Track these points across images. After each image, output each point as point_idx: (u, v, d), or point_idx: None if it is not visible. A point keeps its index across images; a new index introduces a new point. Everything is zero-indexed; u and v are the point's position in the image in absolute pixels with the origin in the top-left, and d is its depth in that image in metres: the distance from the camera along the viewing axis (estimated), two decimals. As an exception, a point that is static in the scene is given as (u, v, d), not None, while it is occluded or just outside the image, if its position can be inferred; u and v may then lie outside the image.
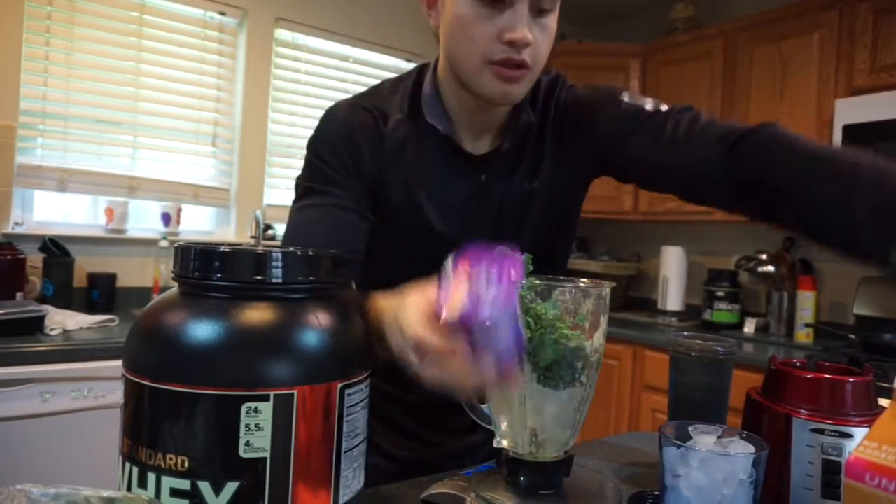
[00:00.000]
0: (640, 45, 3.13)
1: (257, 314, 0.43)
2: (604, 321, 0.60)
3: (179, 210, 2.60)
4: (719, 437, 0.59)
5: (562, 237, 0.97)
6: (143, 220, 2.59)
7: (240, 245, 0.47)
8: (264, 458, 0.41)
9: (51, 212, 2.42)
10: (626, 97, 0.89)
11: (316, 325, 0.45)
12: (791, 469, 0.61)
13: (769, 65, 2.62)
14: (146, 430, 0.42)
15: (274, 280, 0.45)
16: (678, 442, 0.56)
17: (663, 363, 0.88)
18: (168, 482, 0.41)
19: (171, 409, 0.41)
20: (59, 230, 2.34)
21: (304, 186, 0.89)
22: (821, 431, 0.60)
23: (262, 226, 2.64)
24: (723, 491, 0.53)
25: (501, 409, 0.60)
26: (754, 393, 0.68)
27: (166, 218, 2.57)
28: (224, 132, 2.74)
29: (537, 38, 0.79)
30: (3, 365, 1.64)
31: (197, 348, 0.41)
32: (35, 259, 2.21)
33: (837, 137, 2.30)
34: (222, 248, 0.45)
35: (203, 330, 0.42)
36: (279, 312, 0.44)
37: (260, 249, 0.45)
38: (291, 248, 0.47)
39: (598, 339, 0.59)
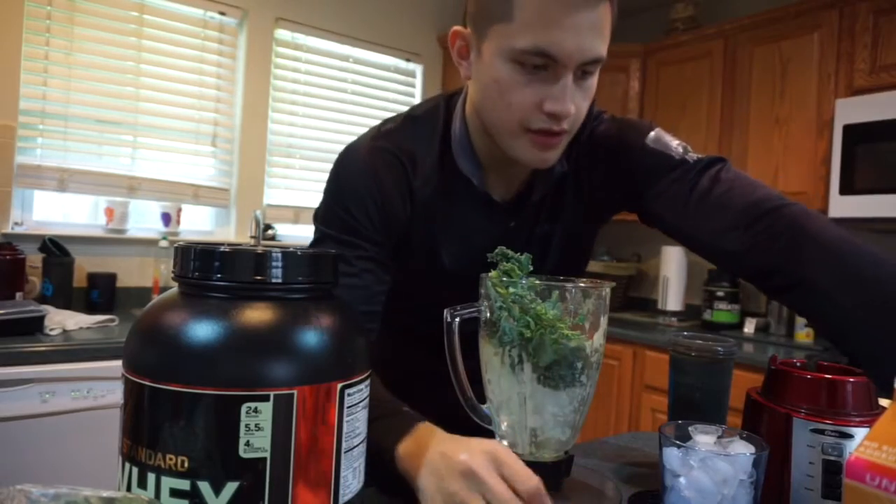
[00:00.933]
0: (640, 45, 3.13)
1: (257, 314, 0.43)
2: (604, 321, 0.60)
3: (179, 210, 2.60)
4: (719, 437, 0.59)
5: (575, 268, 0.97)
6: (143, 220, 2.59)
7: (240, 245, 0.47)
8: (264, 458, 0.41)
9: (51, 212, 2.42)
10: (651, 139, 0.85)
11: (316, 325, 0.45)
12: (791, 469, 0.61)
13: (769, 65, 2.62)
14: (146, 430, 0.42)
15: (274, 280, 0.45)
16: (678, 442, 0.56)
17: (663, 363, 0.89)
18: (168, 482, 0.41)
19: (171, 409, 0.41)
20: (59, 230, 2.34)
21: (328, 235, 0.82)
22: (821, 431, 0.59)
23: (262, 226, 2.64)
24: (723, 491, 0.53)
25: (501, 409, 0.60)
26: (754, 393, 0.68)
27: (166, 218, 2.57)
28: (224, 132, 2.74)
29: (578, 102, 0.74)
30: (3, 365, 1.64)
31: (197, 348, 0.41)
32: (35, 259, 2.21)
33: (837, 137, 2.30)
34: (222, 248, 0.45)
35: (203, 330, 0.42)
36: (279, 312, 0.44)
37: (260, 249, 0.45)
38: (291, 248, 0.47)
39: (598, 339, 0.59)
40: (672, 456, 0.56)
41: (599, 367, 0.61)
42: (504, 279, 0.58)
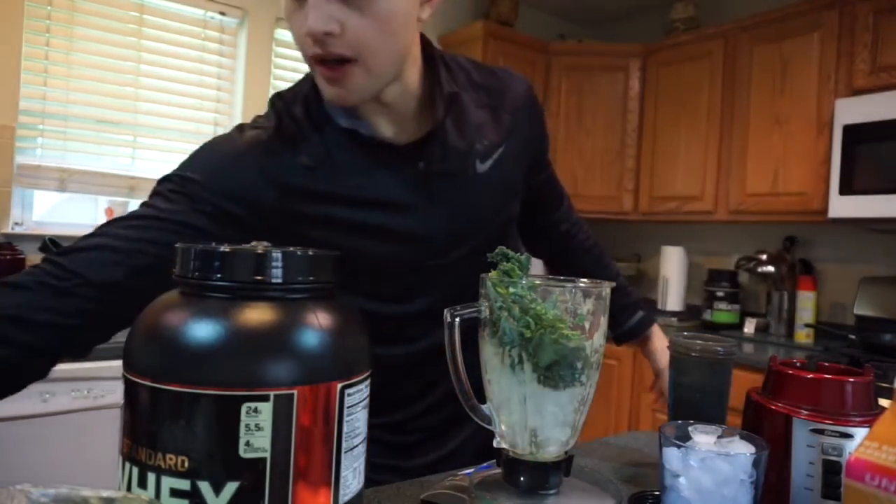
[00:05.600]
0: (640, 45, 3.13)
1: (257, 314, 0.43)
2: (604, 321, 0.60)
3: (179, 210, 2.60)
4: (719, 437, 0.59)
5: (506, 230, 0.93)
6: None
7: (240, 245, 0.47)
8: (264, 458, 0.41)
9: (51, 212, 2.42)
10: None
11: (316, 325, 0.45)
12: (791, 469, 0.61)
13: (769, 65, 2.62)
14: (146, 430, 0.42)
15: (274, 280, 0.45)
16: (678, 442, 0.56)
17: (663, 363, 0.89)
18: (168, 482, 0.41)
19: (171, 409, 0.41)
20: (59, 230, 2.34)
21: (157, 191, 0.81)
22: (821, 432, 0.59)
23: (262, 226, 2.63)
24: (723, 491, 0.53)
25: (501, 408, 0.60)
26: (754, 393, 0.68)
27: (166, 218, 2.57)
28: (224, 132, 2.74)
29: (350, 22, 0.67)
30: (3, 365, 1.64)
31: (197, 348, 0.41)
32: (35, 259, 2.20)
33: (837, 137, 2.30)
34: (222, 248, 0.45)
35: (203, 330, 0.42)
36: (279, 312, 0.44)
37: (260, 249, 0.45)
38: (291, 248, 0.47)
39: (598, 339, 0.59)
40: (672, 456, 0.56)
41: (599, 367, 0.61)
42: (504, 279, 0.58)
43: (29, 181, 2.30)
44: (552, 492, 0.60)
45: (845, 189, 2.28)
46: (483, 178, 0.84)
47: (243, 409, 0.40)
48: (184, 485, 0.40)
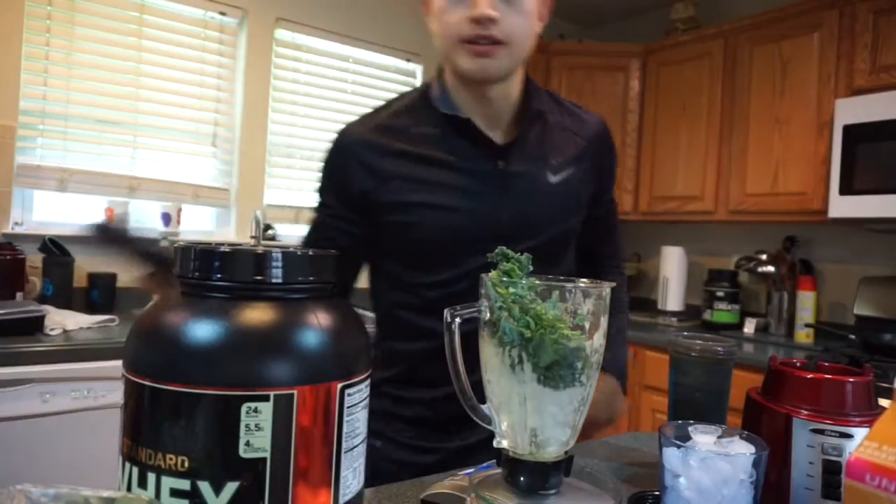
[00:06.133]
0: (640, 45, 3.13)
1: (257, 314, 0.43)
2: (604, 321, 0.60)
3: (179, 210, 2.60)
4: (719, 437, 0.59)
5: (565, 241, 1.04)
6: (143, 220, 2.59)
7: (240, 245, 0.47)
8: (264, 458, 0.41)
9: (51, 212, 2.42)
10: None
11: (316, 325, 0.45)
12: (791, 469, 0.61)
13: (769, 65, 2.62)
14: (146, 430, 0.42)
15: (274, 280, 0.45)
16: (678, 442, 0.56)
17: (663, 363, 0.89)
18: (168, 482, 0.41)
19: (172, 409, 0.41)
20: (59, 230, 2.34)
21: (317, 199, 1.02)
22: (821, 432, 0.60)
23: (262, 226, 2.63)
24: (723, 491, 0.53)
25: (501, 409, 0.60)
26: (754, 393, 0.68)
27: (166, 218, 2.57)
28: (224, 132, 2.74)
29: (505, 13, 0.85)
30: (3, 365, 1.64)
31: (197, 348, 0.41)
32: (35, 259, 2.21)
33: (837, 137, 2.30)
34: (222, 248, 0.45)
35: (203, 330, 0.42)
36: (279, 312, 0.44)
37: (260, 249, 0.45)
38: (291, 248, 0.47)
39: (598, 339, 0.59)
40: (672, 456, 0.56)
41: (599, 367, 0.61)
42: (504, 279, 0.58)
43: (29, 181, 2.30)
44: (552, 492, 0.60)
45: (845, 189, 2.28)
46: (552, 187, 0.97)
47: (243, 409, 0.40)
48: (184, 485, 0.40)
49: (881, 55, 2.27)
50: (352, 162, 0.94)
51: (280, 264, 0.45)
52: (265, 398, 0.41)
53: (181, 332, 0.42)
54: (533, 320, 0.55)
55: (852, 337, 2.32)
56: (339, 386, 0.45)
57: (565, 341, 0.56)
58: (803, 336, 2.56)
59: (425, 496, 0.68)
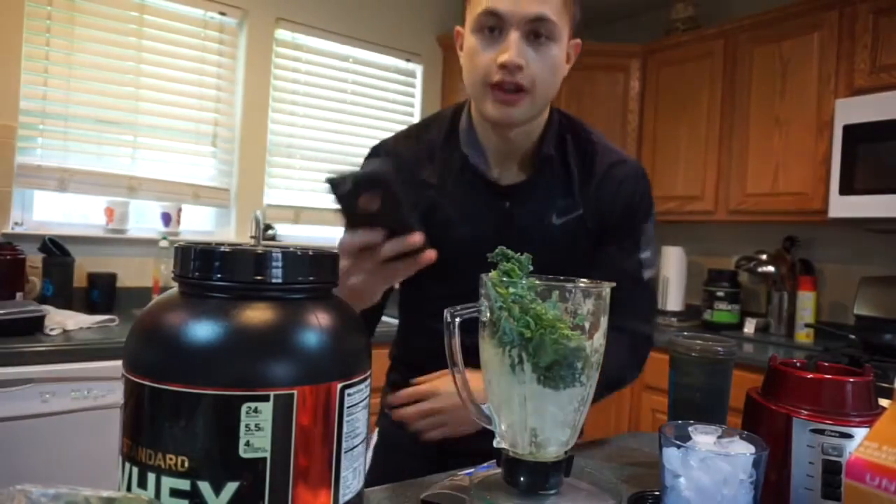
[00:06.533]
0: (640, 45, 3.13)
1: (257, 314, 0.43)
2: (604, 321, 0.60)
3: (179, 210, 2.60)
4: (719, 437, 0.59)
5: (573, 261, 1.03)
6: (144, 220, 2.59)
7: (240, 245, 0.47)
8: (264, 458, 0.41)
9: (51, 212, 2.42)
10: (650, 227, 1.02)
11: (316, 325, 0.45)
12: (791, 469, 0.61)
13: (769, 65, 2.62)
14: (146, 430, 0.42)
15: (274, 280, 0.45)
16: (678, 442, 0.56)
17: (663, 363, 0.88)
18: (168, 482, 0.41)
19: (171, 409, 0.41)
20: (59, 230, 2.34)
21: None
22: (821, 432, 0.59)
23: (262, 226, 2.64)
24: (723, 491, 0.53)
25: (501, 408, 0.60)
26: (754, 393, 0.68)
27: (166, 218, 2.57)
28: (224, 132, 2.74)
29: (532, 61, 0.88)
30: (3, 365, 1.64)
31: (197, 348, 0.41)
32: (35, 259, 2.21)
33: (837, 137, 2.30)
34: (222, 249, 0.45)
35: (203, 330, 0.42)
36: (279, 312, 0.44)
37: (260, 249, 0.45)
38: (291, 248, 0.47)
39: (598, 339, 0.59)
40: (672, 456, 0.56)
41: (599, 367, 0.61)
42: (504, 279, 0.58)
43: (29, 181, 2.29)
44: (552, 492, 0.60)
45: (845, 189, 2.28)
46: (556, 228, 0.99)
47: (243, 409, 0.40)
48: (184, 485, 0.40)
49: (881, 55, 2.27)
50: (407, 163, 0.99)
51: (280, 264, 0.45)
52: (265, 398, 0.41)
53: (181, 331, 0.42)
54: (533, 320, 0.55)
55: (852, 337, 2.32)
56: (340, 386, 0.45)
57: (565, 341, 0.56)
58: (803, 336, 2.56)
59: (425, 496, 0.68)
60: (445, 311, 0.61)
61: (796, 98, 2.52)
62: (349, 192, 0.70)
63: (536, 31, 0.87)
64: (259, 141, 2.81)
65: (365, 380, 0.48)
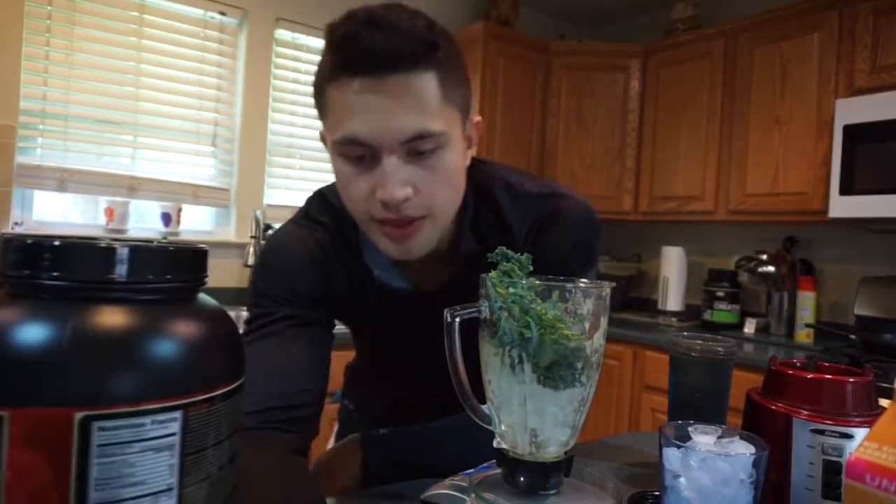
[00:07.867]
0: (640, 45, 3.13)
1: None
2: (604, 321, 0.60)
3: (179, 210, 2.60)
4: (719, 437, 0.59)
5: None
6: (143, 220, 2.59)
7: (80, 237, 0.38)
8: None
9: (51, 212, 2.42)
10: (593, 272, 0.89)
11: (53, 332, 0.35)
12: (791, 469, 0.61)
13: (769, 65, 2.62)
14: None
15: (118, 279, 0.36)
16: (678, 442, 0.56)
17: (663, 363, 0.88)
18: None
19: None
20: (59, 230, 2.34)
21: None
22: (821, 432, 0.59)
23: (262, 226, 2.64)
24: (723, 491, 0.53)
25: (501, 409, 0.60)
26: (754, 393, 0.68)
27: (166, 218, 2.57)
28: (224, 132, 2.74)
29: (422, 184, 0.70)
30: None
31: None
32: (35, 259, 2.21)
33: (837, 137, 2.30)
34: (55, 242, 0.35)
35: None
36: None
37: (103, 243, 0.37)
38: (142, 242, 0.39)
39: (598, 339, 0.59)
40: (672, 456, 0.56)
41: (600, 367, 0.61)
42: (504, 279, 0.58)
43: (29, 181, 2.30)
44: (552, 492, 0.60)
45: (845, 189, 2.28)
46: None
47: None
48: None
49: (881, 55, 2.27)
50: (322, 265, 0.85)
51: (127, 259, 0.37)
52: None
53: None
54: (533, 320, 0.55)
55: (852, 337, 2.32)
56: (80, 416, 0.32)
57: (565, 341, 0.56)
58: (803, 336, 2.56)
59: (425, 496, 0.68)
60: (446, 311, 0.60)
61: (796, 98, 2.52)
62: None
63: (417, 149, 0.68)
64: (259, 141, 2.81)
65: (167, 410, 0.35)
